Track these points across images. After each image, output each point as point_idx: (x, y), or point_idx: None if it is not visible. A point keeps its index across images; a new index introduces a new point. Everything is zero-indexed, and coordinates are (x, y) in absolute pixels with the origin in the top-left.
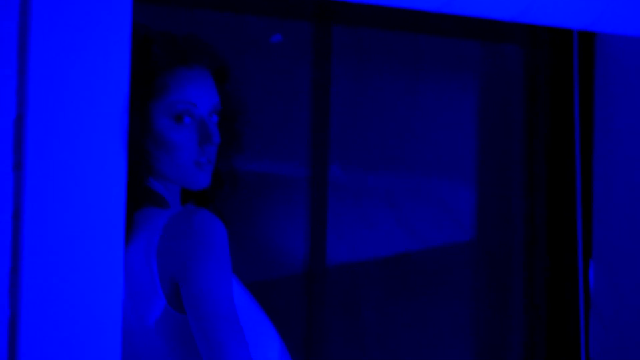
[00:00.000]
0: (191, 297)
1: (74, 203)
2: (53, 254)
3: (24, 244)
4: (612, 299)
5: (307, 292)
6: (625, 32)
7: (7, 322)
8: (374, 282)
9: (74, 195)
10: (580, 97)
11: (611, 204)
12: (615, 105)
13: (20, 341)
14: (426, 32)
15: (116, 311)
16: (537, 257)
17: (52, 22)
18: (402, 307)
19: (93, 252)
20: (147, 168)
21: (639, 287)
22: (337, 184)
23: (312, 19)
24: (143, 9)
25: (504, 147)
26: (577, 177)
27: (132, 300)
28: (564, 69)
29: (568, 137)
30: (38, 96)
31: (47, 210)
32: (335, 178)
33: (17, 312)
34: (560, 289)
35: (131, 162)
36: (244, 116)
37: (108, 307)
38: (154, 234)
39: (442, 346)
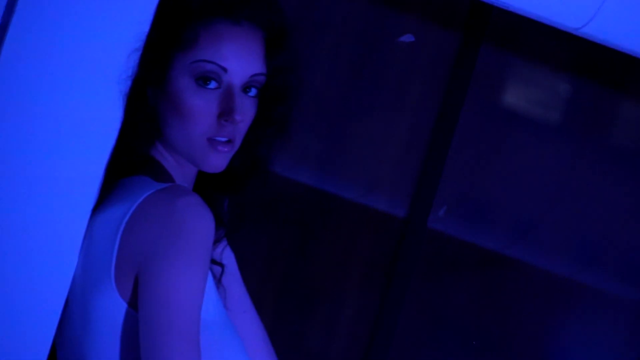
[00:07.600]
0: (145, 296)
1: (48, 150)
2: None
3: None
4: None
5: None
6: None
7: None
8: None
9: (49, 142)
10: None
11: None
12: None
13: None
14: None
15: (64, 280)
16: None
17: None
18: None
19: (53, 210)
20: (153, 131)
21: None
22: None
23: (459, 30)
24: None
25: None
26: None
27: (82, 277)
28: None
29: None
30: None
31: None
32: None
33: None
34: None
35: (134, 120)
36: (295, 98)
37: (57, 273)
38: (130, 208)
39: None
